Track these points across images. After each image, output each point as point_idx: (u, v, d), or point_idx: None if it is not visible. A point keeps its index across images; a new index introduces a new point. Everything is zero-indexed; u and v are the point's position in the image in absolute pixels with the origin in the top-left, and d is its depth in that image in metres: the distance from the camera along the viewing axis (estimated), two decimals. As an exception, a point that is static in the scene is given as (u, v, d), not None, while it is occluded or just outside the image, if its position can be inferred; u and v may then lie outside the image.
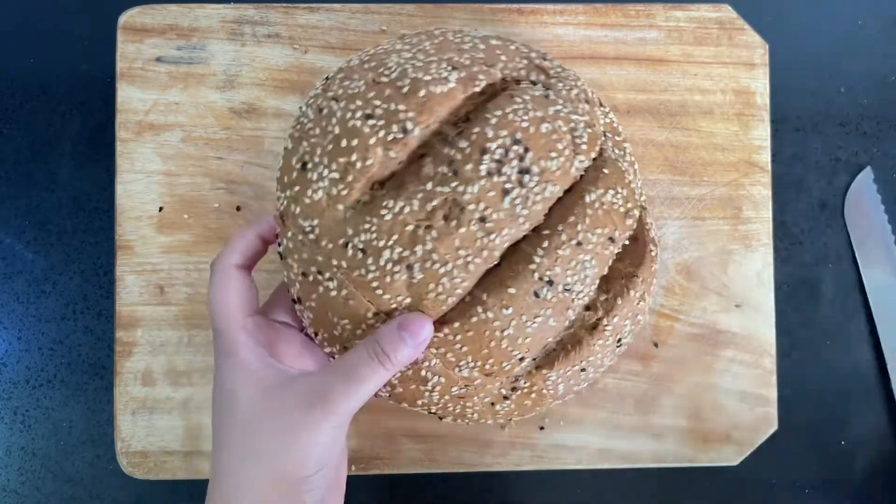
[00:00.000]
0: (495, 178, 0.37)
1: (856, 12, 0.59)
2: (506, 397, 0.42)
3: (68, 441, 0.54)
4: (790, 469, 0.56)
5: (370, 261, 0.37)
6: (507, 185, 0.37)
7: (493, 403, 0.42)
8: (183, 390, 0.51)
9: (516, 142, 0.37)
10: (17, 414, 0.54)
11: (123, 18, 0.53)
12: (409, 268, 0.37)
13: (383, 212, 0.37)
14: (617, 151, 0.43)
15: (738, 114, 0.54)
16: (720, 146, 0.54)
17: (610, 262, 0.40)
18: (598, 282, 0.40)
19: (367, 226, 0.37)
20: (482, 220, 0.37)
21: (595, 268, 0.39)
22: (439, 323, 0.38)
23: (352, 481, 0.54)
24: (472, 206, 0.36)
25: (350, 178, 0.37)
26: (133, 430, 0.51)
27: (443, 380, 0.40)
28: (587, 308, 0.41)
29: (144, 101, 0.52)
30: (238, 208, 0.52)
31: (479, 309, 0.38)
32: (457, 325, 0.38)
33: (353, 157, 0.37)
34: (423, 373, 0.40)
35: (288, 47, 0.53)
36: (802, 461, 0.56)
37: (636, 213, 0.41)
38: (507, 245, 0.38)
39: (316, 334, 0.41)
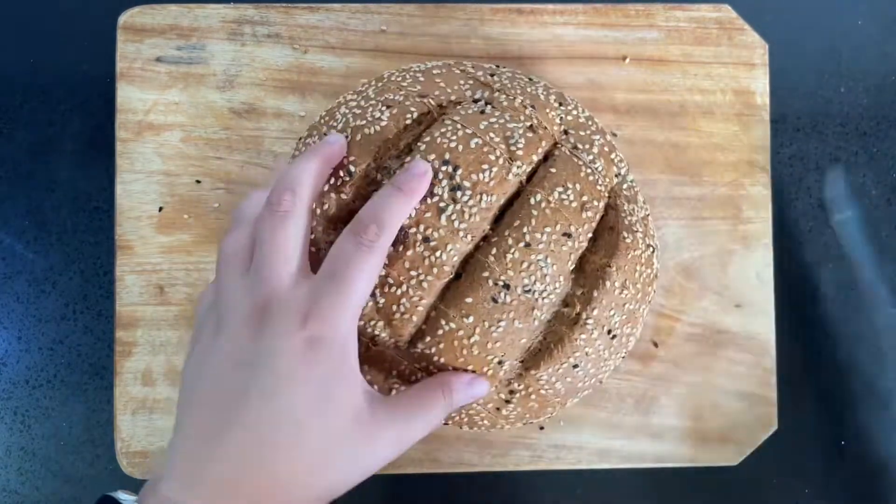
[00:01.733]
0: (429, 200, 0.39)
1: (856, 12, 0.59)
2: (507, 401, 0.43)
3: (68, 441, 0.54)
4: (790, 469, 0.56)
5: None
6: (441, 204, 0.39)
7: (498, 409, 0.43)
8: (183, 390, 0.51)
9: (445, 162, 0.39)
10: (17, 414, 0.54)
11: (123, 18, 0.53)
12: (373, 294, 0.39)
13: None
14: (582, 146, 0.43)
15: (738, 114, 0.54)
16: (720, 146, 0.54)
17: (573, 258, 0.41)
18: (563, 278, 0.41)
19: None
20: (426, 240, 0.39)
21: (554, 265, 0.40)
22: (414, 339, 0.41)
23: (352, 481, 0.54)
24: (413, 230, 0.39)
25: (314, 222, 0.40)
26: (133, 430, 0.51)
27: None
28: (566, 304, 0.42)
29: (144, 101, 0.52)
30: (238, 208, 0.52)
31: (443, 321, 0.40)
32: (428, 339, 0.40)
33: (314, 205, 0.40)
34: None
35: (288, 47, 0.53)
36: (802, 461, 0.56)
37: (597, 203, 0.42)
38: (456, 259, 0.40)
39: None
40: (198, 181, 0.52)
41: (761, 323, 0.53)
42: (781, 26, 0.57)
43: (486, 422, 0.45)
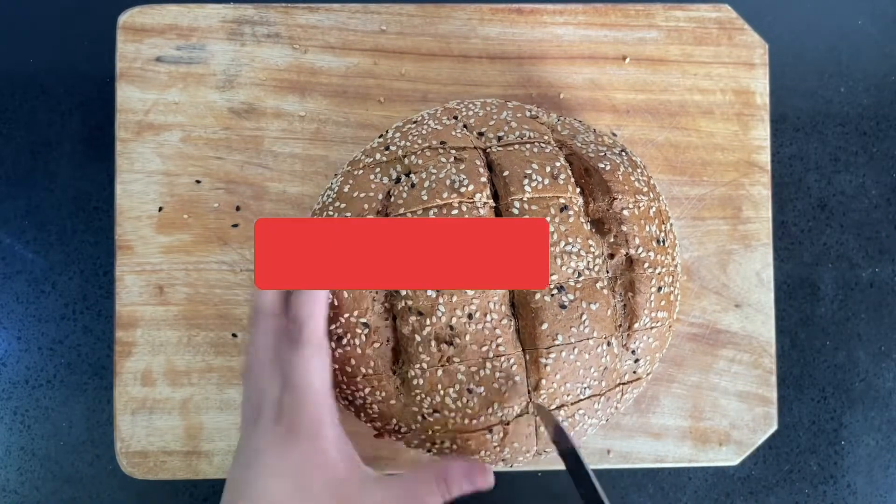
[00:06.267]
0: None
1: (856, 12, 0.59)
2: (637, 360, 0.44)
3: (68, 441, 0.54)
4: (790, 469, 0.56)
5: (446, 412, 0.41)
6: None
7: (634, 372, 0.45)
8: (182, 390, 0.51)
9: None
10: (17, 414, 0.54)
11: (123, 18, 0.53)
12: (469, 391, 0.41)
13: (415, 381, 0.41)
14: (503, 132, 0.43)
15: (738, 114, 0.54)
16: (720, 146, 0.54)
17: (583, 219, 0.42)
18: (591, 241, 0.41)
19: (418, 398, 0.42)
20: (469, 316, 0.40)
21: (577, 239, 0.41)
22: (535, 391, 0.41)
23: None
24: (455, 321, 0.40)
25: (376, 382, 0.42)
26: (133, 430, 0.51)
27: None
28: (612, 256, 0.43)
29: (144, 101, 0.52)
30: (238, 208, 0.52)
31: (542, 360, 0.40)
32: (544, 381, 0.41)
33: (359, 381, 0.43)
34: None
35: (287, 47, 0.53)
36: (802, 461, 0.56)
37: (559, 163, 0.42)
38: (503, 307, 0.40)
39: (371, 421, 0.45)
40: (197, 181, 0.52)
41: (761, 323, 0.53)
42: (781, 26, 0.57)
43: (634, 392, 0.46)
